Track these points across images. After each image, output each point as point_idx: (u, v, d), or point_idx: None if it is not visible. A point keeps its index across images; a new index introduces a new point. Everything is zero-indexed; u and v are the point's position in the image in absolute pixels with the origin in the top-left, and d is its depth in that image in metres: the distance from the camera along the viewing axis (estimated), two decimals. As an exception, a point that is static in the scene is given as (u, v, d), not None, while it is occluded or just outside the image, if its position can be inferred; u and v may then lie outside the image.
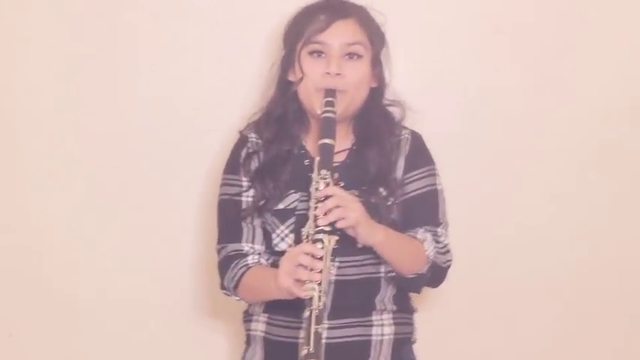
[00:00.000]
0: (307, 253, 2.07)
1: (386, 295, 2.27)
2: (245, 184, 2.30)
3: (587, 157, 2.80)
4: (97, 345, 2.79)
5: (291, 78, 2.31)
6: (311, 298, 2.05)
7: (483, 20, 2.74)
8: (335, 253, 2.12)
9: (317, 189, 2.12)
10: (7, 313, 2.78)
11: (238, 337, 2.50)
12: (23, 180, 2.75)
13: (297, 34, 2.27)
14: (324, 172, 2.13)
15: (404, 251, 2.23)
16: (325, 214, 2.09)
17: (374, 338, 2.25)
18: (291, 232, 2.25)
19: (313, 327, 2.02)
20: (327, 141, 2.16)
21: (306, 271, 2.05)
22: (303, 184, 2.25)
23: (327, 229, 2.09)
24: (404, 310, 2.32)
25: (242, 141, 2.35)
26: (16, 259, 2.77)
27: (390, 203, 2.26)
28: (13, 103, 2.73)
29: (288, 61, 2.31)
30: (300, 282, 2.06)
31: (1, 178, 2.75)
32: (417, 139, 2.35)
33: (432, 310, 2.66)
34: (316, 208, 2.11)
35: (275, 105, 2.33)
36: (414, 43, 2.73)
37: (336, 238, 2.10)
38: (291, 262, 2.08)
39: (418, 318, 2.39)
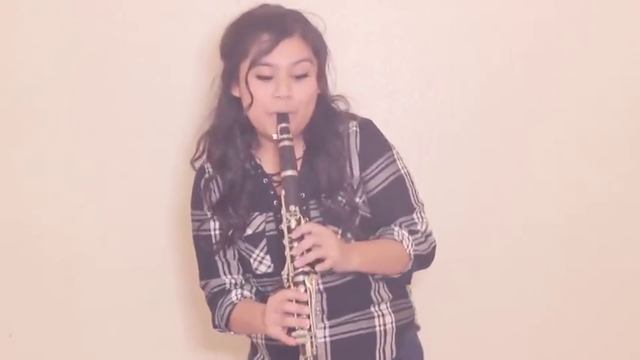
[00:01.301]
0: (290, 299, 2.05)
1: (379, 287, 2.24)
2: (209, 216, 2.26)
3: (586, 157, 2.80)
4: (97, 346, 2.79)
5: (235, 93, 2.22)
6: (304, 345, 2.05)
7: (483, 18, 2.75)
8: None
9: (289, 227, 2.08)
10: (7, 313, 2.78)
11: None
12: (23, 179, 2.75)
13: (241, 52, 2.17)
14: (292, 207, 2.08)
15: (384, 259, 2.20)
16: (302, 254, 2.06)
17: (377, 329, 2.21)
18: (266, 254, 2.22)
19: None
20: (289, 173, 2.10)
21: (294, 318, 2.04)
22: (265, 204, 2.23)
23: (307, 269, 2.06)
24: (400, 297, 2.28)
25: (199, 173, 2.30)
26: (16, 259, 2.76)
27: (351, 208, 2.21)
28: (12, 101, 2.74)
29: (231, 76, 2.21)
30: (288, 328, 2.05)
31: (1, 176, 2.75)
32: (366, 129, 2.25)
33: (435, 299, 2.66)
34: (291, 248, 2.07)
35: (221, 122, 2.26)
36: (414, 42, 2.73)
37: (317, 277, 2.07)
38: (276, 311, 2.06)
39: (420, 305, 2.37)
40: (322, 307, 2.20)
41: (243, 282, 2.26)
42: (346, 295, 2.20)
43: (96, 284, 2.77)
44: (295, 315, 2.04)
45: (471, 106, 2.76)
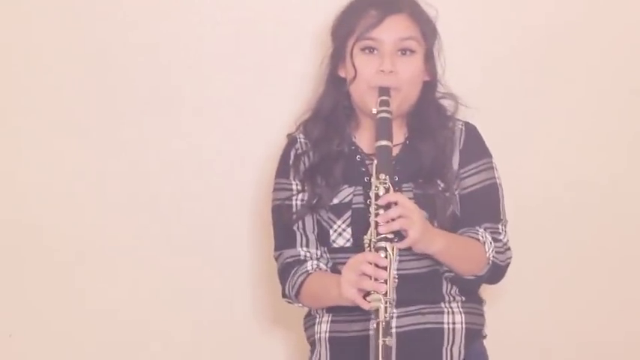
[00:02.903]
0: (370, 262, 2.04)
1: (451, 288, 2.23)
2: (294, 186, 2.28)
3: (587, 157, 2.81)
4: (97, 346, 2.79)
5: (341, 74, 2.28)
6: (377, 310, 2.02)
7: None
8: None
9: (377, 194, 2.09)
10: (7, 313, 2.78)
11: (298, 344, 2.50)
12: (23, 178, 2.75)
13: (348, 29, 2.23)
14: (382, 176, 2.10)
15: (464, 255, 2.19)
16: (387, 222, 2.06)
17: (446, 326, 2.19)
18: (348, 226, 2.21)
19: (381, 339, 2.01)
20: (383, 143, 2.13)
21: (370, 280, 2.03)
22: (356, 178, 2.24)
23: (390, 236, 2.06)
24: (472, 300, 2.26)
25: (290, 143, 2.33)
26: (16, 259, 2.76)
27: (447, 194, 2.22)
28: (12, 101, 2.74)
29: (337, 56, 2.28)
30: (363, 291, 2.04)
31: (1, 176, 2.75)
32: (471, 131, 2.31)
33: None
34: (377, 214, 2.07)
35: (324, 102, 2.31)
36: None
37: (400, 246, 2.07)
38: (354, 271, 2.05)
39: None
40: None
41: (319, 256, 2.25)
42: (418, 285, 2.18)
43: (96, 284, 2.77)
44: (372, 279, 2.02)
45: (470, 105, 2.75)
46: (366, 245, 2.08)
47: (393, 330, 2.13)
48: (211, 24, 2.71)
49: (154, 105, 2.73)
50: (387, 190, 2.08)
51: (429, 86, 2.29)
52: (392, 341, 2.04)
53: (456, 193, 2.24)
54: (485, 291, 2.34)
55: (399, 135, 2.26)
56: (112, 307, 2.77)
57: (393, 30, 2.21)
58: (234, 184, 2.73)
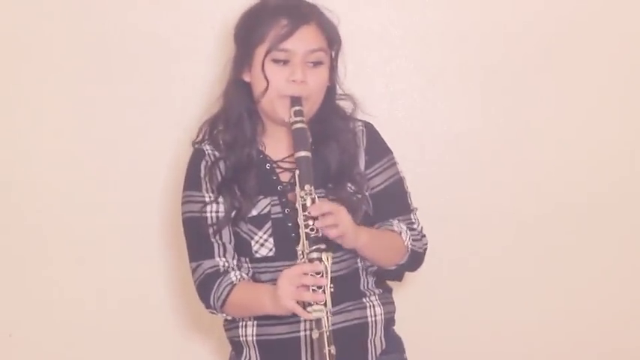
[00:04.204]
0: (306, 273, 2.07)
1: (368, 282, 2.30)
2: (208, 199, 2.26)
3: (587, 157, 2.80)
4: (97, 346, 2.79)
5: (246, 78, 2.27)
6: (319, 320, 2.06)
7: (483, 19, 2.75)
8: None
9: (304, 205, 2.11)
10: (7, 313, 2.78)
11: (220, 346, 2.50)
12: (23, 180, 2.75)
13: (258, 37, 2.21)
14: (307, 187, 2.12)
15: (385, 248, 2.25)
16: (317, 230, 2.09)
17: (370, 319, 2.26)
18: (270, 236, 2.23)
19: (327, 348, 2.05)
20: (303, 154, 2.15)
21: (309, 292, 2.06)
22: (269, 188, 2.25)
23: (323, 246, 2.10)
24: (386, 290, 2.34)
25: (198, 155, 2.31)
26: (16, 259, 2.76)
27: (360, 197, 2.26)
28: (13, 101, 2.74)
29: (243, 61, 2.26)
30: (302, 302, 2.07)
31: (0, 178, 2.75)
32: (371, 131, 2.34)
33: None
34: (307, 225, 2.10)
35: (230, 107, 2.29)
36: (414, 42, 2.73)
37: (332, 254, 2.11)
38: (292, 283, 2.07)
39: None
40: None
41: (239, 266, 2.25)
42: (340, 285, 2.18)
43: (96, 284, 2.77)
44: (310, 290, 2.06)
45: (471, 106, 2.76)
46: (300, 256, 2.11)
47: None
48: (209, 17, 2.72)
49: (151, 104, 2.74)
50: (313, 201, 2.11)
51: (329, 91, 2.30)
52: (334, 349, 2.08)
53: (367, 193, 2.28)
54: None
55: (290, 140, 2.25)
56: (112, 307, 2.77)
57: (304, 41, 2.21)
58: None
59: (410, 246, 2.27)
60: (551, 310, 2.83)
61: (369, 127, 2.34)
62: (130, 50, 2.71)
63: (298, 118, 2.18)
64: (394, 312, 2.35)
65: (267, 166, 2.28)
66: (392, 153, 2.34)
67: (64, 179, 2.75)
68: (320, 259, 2.09)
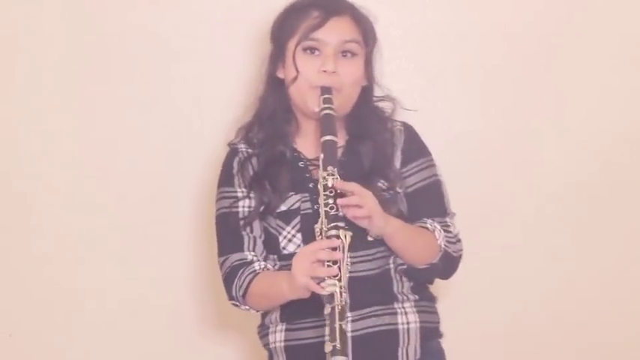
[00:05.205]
0: (323, 249, 2.05)
1: (403, 287, 2.22)
2: (240, 194, 2.26)
3: (587, 157, 2.80)
4: (97, 346, 2.79)
5: (280, 75, 2.28)
6: (332, 295, 2.02)
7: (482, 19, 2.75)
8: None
9: (325, 185, 2.09)
10: (7, 313, 2.78)
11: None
12: (23, 180, 2.75)
13: (290, 30, 2.23)
14: (330, 168, 2.11)
15: (416, 241, 2.20)
16: (337, 209, 2.07)
17: (400, 326, 2.19)
18: (298, 232, 2.21)
19: (337, 323, 2.00)
20: (329, 137, 2.14)
21: (324, 267, 2.04)
22: (301, 185, 2.24)
23: (341, 224, 2.07)
24: (425, 299, 2.26)
25: (232, 153, 2.32)
26: (16, 259, 2.76)
27: (392, 193, 2.23)
28: (14, 103, 2.74)
29: (277, 57, 2.28)
30: (317, 279, 2.04)
31: (0, 178, 2.75)
32: (410, 131, 2.32)
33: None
34: (327, 204, 2.08)
35: (264, 105, 2.31)
36: (414, 42, 2.73)
37: (351, 233, 2.08)
38: (308, 260, 2.05)
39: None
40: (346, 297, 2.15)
41: (266, 258, 2.24)
42: (369, 287, 2.17)
43: (96, 284, 2.77)
44: (325, 265, 2.03)
45: (471, 106, 2.76)
46: (317, 234, 2.09)
47: (349, 334, 2.12)
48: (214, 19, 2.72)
49: (152, 105, 2.73)
50: (334, 181, 2.09)
51: (367, 90, 2.30)
52: (348, 326, 2.04)
53: (400, 191, 2.25)
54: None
55: (340, 139, 2.24)
56: (112, 307, 2.77)
57: (337, 32, 2.21)
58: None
59: (443, 245, 2.22)
60: (551, 309, 2.83)
61: (408, 128, 2.32)
62: (130, 50, 2.71)
63: (327, 105, 2.18)
64: (436, 322, 2.27)
65: (301, 164, 2.27)
66: (430, 155, 2.31)
67: (64, 179, 2.75)
68: (337, 237, 2.06)
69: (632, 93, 2.80)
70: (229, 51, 2.71)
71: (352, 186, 2.10)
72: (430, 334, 2.24)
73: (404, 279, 2.23)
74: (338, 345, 1.98)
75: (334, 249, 2.05)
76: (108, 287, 2.77)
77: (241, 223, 2.24)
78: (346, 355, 1.98)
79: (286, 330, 2.23)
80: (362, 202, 2.10)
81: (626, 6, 2.77)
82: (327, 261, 2.04)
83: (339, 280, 2.03)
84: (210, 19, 2.70)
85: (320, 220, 2.09)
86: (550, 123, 2.78)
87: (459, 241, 2.27)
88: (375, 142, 2.26)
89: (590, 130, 2.79)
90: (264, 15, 2.65)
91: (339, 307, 2.02)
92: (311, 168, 2.26)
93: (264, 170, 2.26)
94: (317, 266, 2.05)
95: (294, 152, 2.28)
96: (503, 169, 2.79)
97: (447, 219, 2.27)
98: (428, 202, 2.27)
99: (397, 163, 2.27)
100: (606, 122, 2.79)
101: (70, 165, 2.74)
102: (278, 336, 2.24)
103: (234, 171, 2.29)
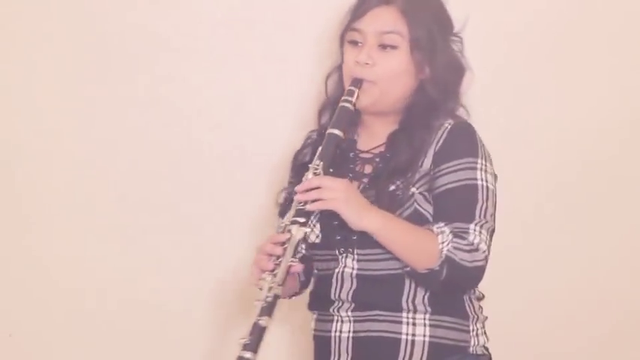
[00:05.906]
0: (272, 243, 2.07)
1: (416, 296, 2.11)
2: (288, 182, 2.30)
3: (587, 158, 2.81)
4: (97, 346, 2.79)
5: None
6: (261, 289, 2.03)
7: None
8: (353, 244, 2.11)
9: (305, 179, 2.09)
10: (7, 313, 2.78)
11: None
12: (24, 180, 2.75)
13: (346, 21, 2.23)
14: (317, 162, 2.09)
15: (408, 241, 2.07)
16: (306, 203, 2.05)
17: (403, 337, 2.10)
18: (317, 222, 2.17)
19: (256, 317, 2.00)
20: (334, 131, 2.12)
21: (265, 260, 2.05)
22: (339, 176, 2.15)
23: (302, 220, 2.05)
24: (447, 314, 2.13)
25: (305, 139, 2.35)
26: (16, 258, 2.76)
27: (412, 193, 2.12)
28: (14, 103, 2.73)
29: (340, 48, 2.28)
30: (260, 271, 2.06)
31: (1, 178, 2.75)
32: (454, 132, 2.15)
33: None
34: (297, 199, 2.08)
35: (330, 92, 2.31)
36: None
37: (308, 230, 2.07)
38: (258, 250, 2.08)
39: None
40: (349, 297, 2.14)
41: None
42: (377, 288, 2.13)
43: (96, 284, 2.77)
44: (270, 259, 2.05)
45: (471, 106, 2.75)
46: (279, 229, 2.11)
47: (347, 335, 2.13)
48: (212, 23, 2.72)
49: (155, 105, 2.73)
50: (315, 175, 2.08)
51: (424, 83, 2.19)
52: (269, 322, 2.01)
53: (420, 189, 2.13)
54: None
55: (384, 132, 2.21)
56: (112, 307, 2.77)
57: (376, 22, 2.16)
58: (235, 183, 2.74)
59: (445, 252, 2.05)
60: (551, 309, 2.84)
61: (455, 127, 2.16)
62: (130, 50, 2.71)
63: (346, 97, 2.14)
64: (461, 340, 2.13)
65: (351, 154, 2.23)
66: (476, 158, 2.13)
67: (64, 179, 2.75)
68: (289, 231, 2.05)
69: (632, 93, 2.80)
70: (229, 51, 2.71)
71: (316, 181, 2.05)
72: (447, 351, 2.12)
73: (418, 288, 2.11)
74: (248, 340, 1.98)
75: (282, 244, 2.05)
76: (108, 287, 2.77)
77: (277, 210, 2.27)
78: (254, 351, 1.98)
79: (317, 319, 2.24)
80: (323, 196, 2.03)
81: (627, 6, 2.77)
82: (271, 255, 2.05)
83: (274, 275, 2.03)
84: (210, 19, 2.70)
85: (289, 214, 2.09)
86: (550, 123, 2.79)
87: (476, 250, 2.07)
88: (411, 143, 2.15)
89: (590, 130, 2.80)
90: (264, 15, 2.68)
91: (263, 303, 2.01)
92: (357, 162, 2.23)
93: (312, 156, 2.19)
94: (260, 258, 2.06)
95: (352, 143, 2.25)
96: (502, 169, 2.79)
97: (472, 225, 2.09)
98: (452, 205, 2.11)
99: (427, 163, 2.14)
100: (606, 122, 2.80)
101: (70, 165, 2.74)
102: (312, 324, 2.25)
103: (293, 158, 2.32)
